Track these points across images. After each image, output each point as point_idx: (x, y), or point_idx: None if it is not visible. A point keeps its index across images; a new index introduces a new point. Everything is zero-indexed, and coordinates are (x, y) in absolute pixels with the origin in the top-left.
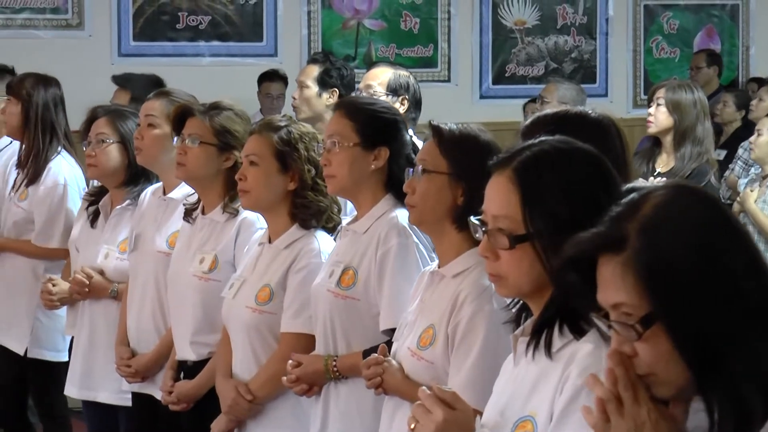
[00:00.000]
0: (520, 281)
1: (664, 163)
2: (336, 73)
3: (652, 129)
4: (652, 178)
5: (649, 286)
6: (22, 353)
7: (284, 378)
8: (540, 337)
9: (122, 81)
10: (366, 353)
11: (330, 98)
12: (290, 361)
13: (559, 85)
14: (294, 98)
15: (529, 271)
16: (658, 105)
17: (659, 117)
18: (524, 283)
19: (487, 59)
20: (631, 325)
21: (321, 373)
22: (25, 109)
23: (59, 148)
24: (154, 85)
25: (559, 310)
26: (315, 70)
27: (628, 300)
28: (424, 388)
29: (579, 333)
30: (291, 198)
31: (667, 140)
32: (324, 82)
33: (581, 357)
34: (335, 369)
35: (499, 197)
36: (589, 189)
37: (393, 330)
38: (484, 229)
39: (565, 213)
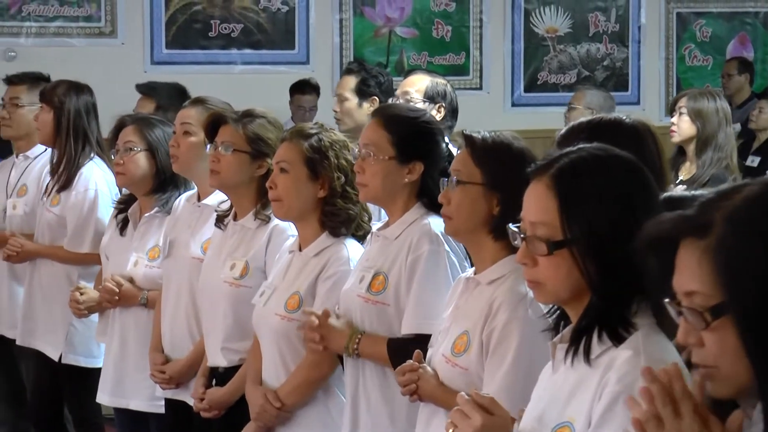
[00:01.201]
0: (558, 287)
1: (687, 170)
2: (373, 81)
3: (676, 138)
4: (673, 186)
5: (725, 276)
6: (56, 359)
7: (309, 316)
8: (578, 343)
9: (146, 90)
10: (390, 342)
11: (371, 107)
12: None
13: (587, 91)
14: (335, 111)
15: (567, 277)
16: (681, 114)
17: (682, 126)
18: (562, 289)
19: (519, 67)
20: (700, 313)
21: (341, 340)
22: (57, 116)
23: (92, 155)
24: (178, 93)
25: (598, 316)
26: (352, 81)
27: (701, 288)
28: (462, 393)
29: (618, 339)
30: (321, 206)
31: (691, 148)
32: (362, 92)
33: (619, 363)
34: (356, 347)
35: (537, 204)
36: (626, 196)
37: (417, 335)
38: (522, 236)
39: (603, 219)
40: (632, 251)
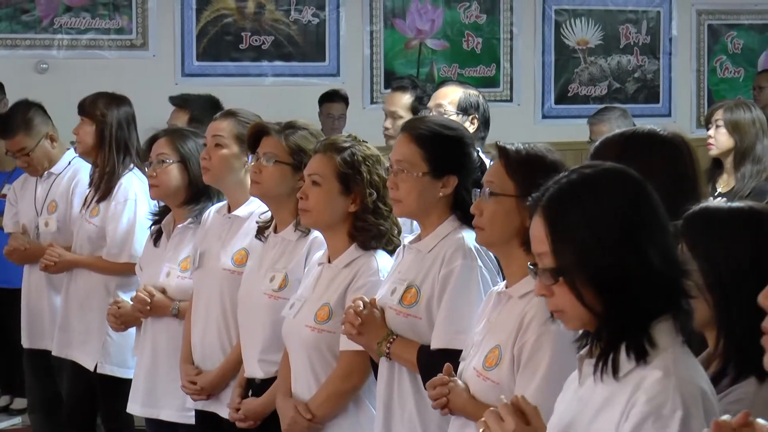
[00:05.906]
0: (579, 314)
1: (725, 183)
2: (427, 99)
3: (714, 151)
4: (712, 198)
5: None
6: (92, 369)
7: (351, 304)
8: (606, 360)
9: (180, 101)
10: (421, 349)
11: None
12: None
13: (603, 123)
14: (387, 127)
15: (579, 304)
16: (718, 127)
17: (720, 139)
18: (584, 315)
19: (549, 79)
20: None
21: (377, 334)
22: (99, 129)
23: (131, 165)
24: (211, 105)
25: (618, 336)
26: (406, 98)
27: None
28: (503, 396)
29: (644, 358)
30: (351, 220)
31: (728, 161)
32: (417, 110)
33: (649, 384)
34: (388, 348)
35: (536, 236)
36: (619, 216)
37: (446, 350)
38: (534, 268)
39: (593, 245)
40: (633, 276)
